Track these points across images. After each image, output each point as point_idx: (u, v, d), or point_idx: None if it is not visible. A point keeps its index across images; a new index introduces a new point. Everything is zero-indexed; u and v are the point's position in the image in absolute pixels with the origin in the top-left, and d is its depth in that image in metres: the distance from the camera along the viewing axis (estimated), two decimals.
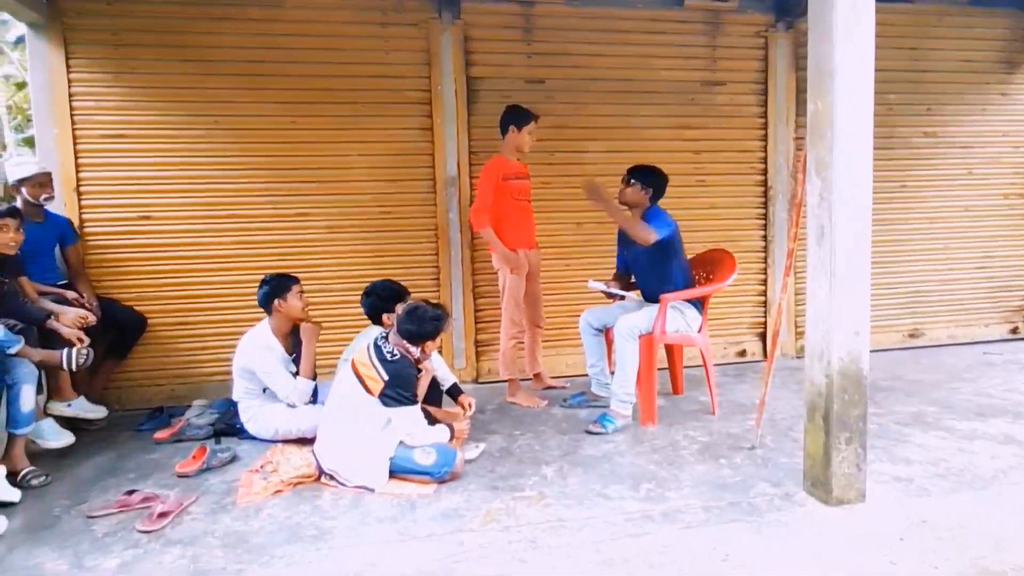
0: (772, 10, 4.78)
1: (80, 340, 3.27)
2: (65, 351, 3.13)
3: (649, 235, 3.49)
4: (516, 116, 3.91)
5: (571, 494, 2.76)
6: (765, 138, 4.86)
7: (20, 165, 3.76)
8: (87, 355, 3.16)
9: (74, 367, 3.14)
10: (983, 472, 2.89)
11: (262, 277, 3.51)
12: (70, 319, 3.35)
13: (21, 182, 3.64)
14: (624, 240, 3.91)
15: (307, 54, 4.20)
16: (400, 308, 3.42)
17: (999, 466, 2.94)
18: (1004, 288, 5.40)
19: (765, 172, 4.88)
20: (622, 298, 3.88)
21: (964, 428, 3.43)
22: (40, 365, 3.07)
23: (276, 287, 3.42)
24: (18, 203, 3.64)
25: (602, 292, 3.87)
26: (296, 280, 3.49)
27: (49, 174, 3.75)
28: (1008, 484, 2.77)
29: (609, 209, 3.55)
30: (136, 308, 4.05)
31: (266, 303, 3.44)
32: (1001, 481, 2.80)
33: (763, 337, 4.98)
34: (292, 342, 3.52)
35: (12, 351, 2.91)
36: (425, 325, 2.98)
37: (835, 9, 2.42)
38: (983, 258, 5.34)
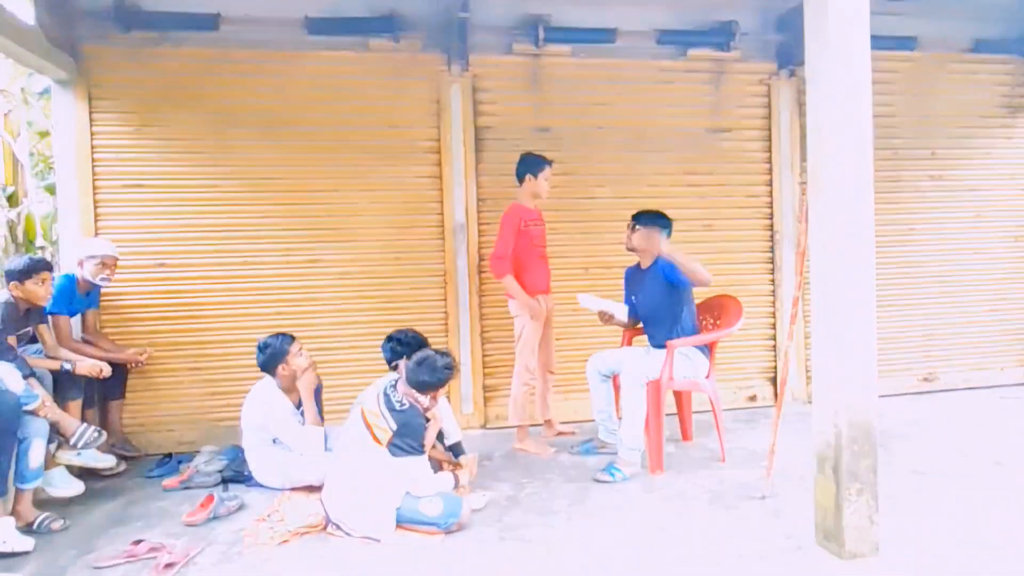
0: (774, 58, 4.88)
1: (100, 372, 3.51)
2: (81, 427, 3.23)
3: (707, 276, 3.48)
4: (532, 163, 3.96)
5: (578, 545, 2.72)
6: (771, 183, 4.90)
7: (91, 244, 3.88)
8: (98, 436, 3.26)
9: (80, 444, 3.21)
10: (1001, 524, 2.82)
11: (257, 341, 3.51)
12: (86, 368, 3.46)
13: (88, 258, 3.75)
14: (632, 284, 3.92)
15: (320, 106, 4.33)
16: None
17: (1018, 517, 2.88)
18: (1019, 331, 5.33)
19: (771, 216, 4.92)
20: (612, 316, 3.83)
21: (981, 477, 3.36)
22: (53, 425, 3.12)
23: (275, 353, 3.43)
24: (77, 275, 3.75)
25: (598, 311, 3.81)
26: (292, 339, 3.50)
27: (115, 258, 3.83)
28: None
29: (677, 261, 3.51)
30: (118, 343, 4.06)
31: (268, 369, 3.46)
32: (1019, 533, 2.73)
33: (774, 381, 4.94)
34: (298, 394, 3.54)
35: (29, 408, 2.97)
36: (436, 374, 3.00)
37: (830, 71, 2.47)
38: (996, 300, 5.30)
